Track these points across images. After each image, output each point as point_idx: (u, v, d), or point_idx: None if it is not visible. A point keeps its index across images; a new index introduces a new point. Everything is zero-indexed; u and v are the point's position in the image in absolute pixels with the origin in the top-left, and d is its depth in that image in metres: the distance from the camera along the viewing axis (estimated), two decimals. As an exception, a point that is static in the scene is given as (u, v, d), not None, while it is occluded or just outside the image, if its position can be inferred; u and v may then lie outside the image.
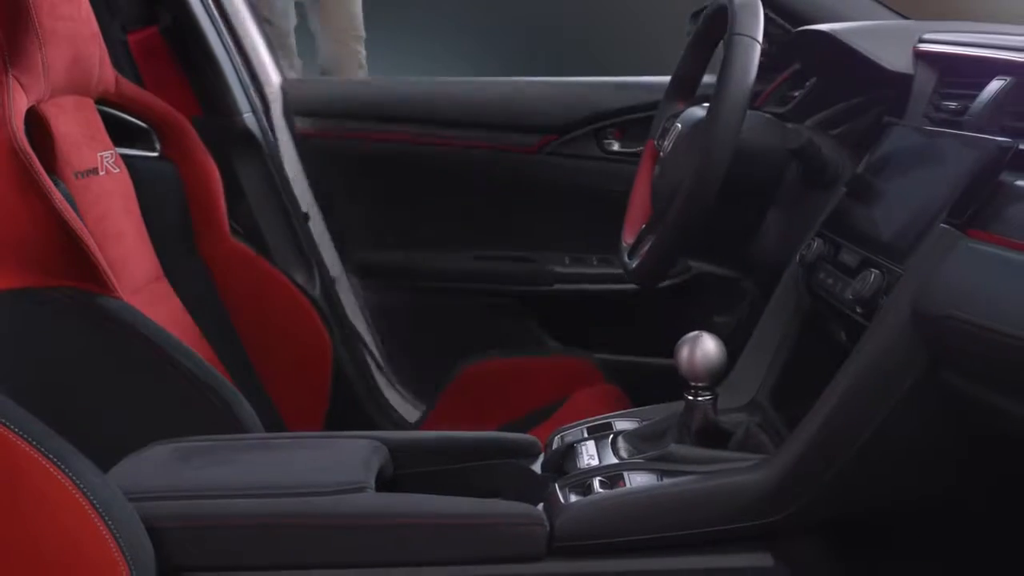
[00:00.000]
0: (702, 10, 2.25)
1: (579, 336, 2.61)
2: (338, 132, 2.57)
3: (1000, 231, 1.21)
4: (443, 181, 2.55)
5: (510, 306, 2.61)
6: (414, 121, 2.67)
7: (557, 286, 2.59)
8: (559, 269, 2.59)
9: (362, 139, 2.52)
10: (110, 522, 1.25)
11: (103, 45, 1.87)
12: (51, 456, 1.23)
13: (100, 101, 1.92)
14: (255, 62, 2.53)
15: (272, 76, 2.57)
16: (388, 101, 2.73)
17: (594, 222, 2.43)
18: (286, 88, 2.57)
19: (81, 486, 1.24)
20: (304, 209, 2.55)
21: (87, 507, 1.23)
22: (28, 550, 1.25)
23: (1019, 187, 1.23)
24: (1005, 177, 1.26)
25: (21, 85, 1.62)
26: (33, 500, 1.23)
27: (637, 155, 2.49)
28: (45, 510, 1.24)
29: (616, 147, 2.67)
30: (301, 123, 2.57)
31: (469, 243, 2.58)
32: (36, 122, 1.66)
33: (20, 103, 1.61)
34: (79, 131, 1.78)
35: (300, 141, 2.57)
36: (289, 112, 2.56)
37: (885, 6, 2.26)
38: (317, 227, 2.57)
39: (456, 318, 2.62)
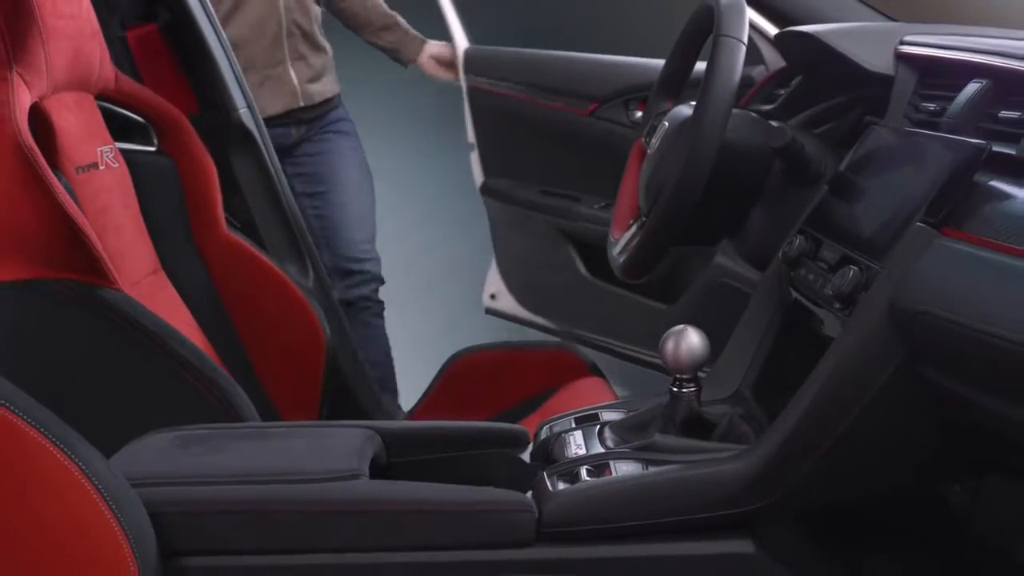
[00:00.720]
0: None
1: (595, 267, 3.01)
2: (491, 88, 3.09)
3: (974, 230, 1.23)
4: (530, 130, 3.02)
5: (559, 230, 3.05)
6: (521, 83, 3.14)
7: (580, 223, 2.98)
8: (585, 210, 2.97)
9: (492, 94, 3.07)
10: (115, 507, 1.28)
11: (103, 42, 1.91)
12: (58, 443, 1.26)
13: (100, 97, 1.95)
14: (452, 33, 3.20)
15: (460, 43, 3.18)
16: (506, 67, 3.17)
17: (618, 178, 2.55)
18: (467, 52, 3.17)
19: (87, 472, 1.27)
20: (471, 141, 3.19)
21: (93, 493, 1.26)
22: (35, 534, 1.28)
23: (992, 187, 1.26)
24: (979, 178, 1.29)
25: (25, 82, 1.65)
26: (41, 485, 1.27)
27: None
28: (52, 495, 1.27)
29: (638, 115, 2.90)
30: (472, 79, 3.15)
31: (539, 179, 3.07)
32: (39, 118, 1.68)
33: (24, 100, 1.64)
34: (80, 126, 1.81)
35: (471, 92, 3.15)
36: (468, 70, 3.15)
37: (871, 7, 2.29)
38: (475, 155, 3.20)
39: (529, 233, 3.11)
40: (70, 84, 1.79)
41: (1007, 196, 1.24)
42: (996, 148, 1.30)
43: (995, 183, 1.27)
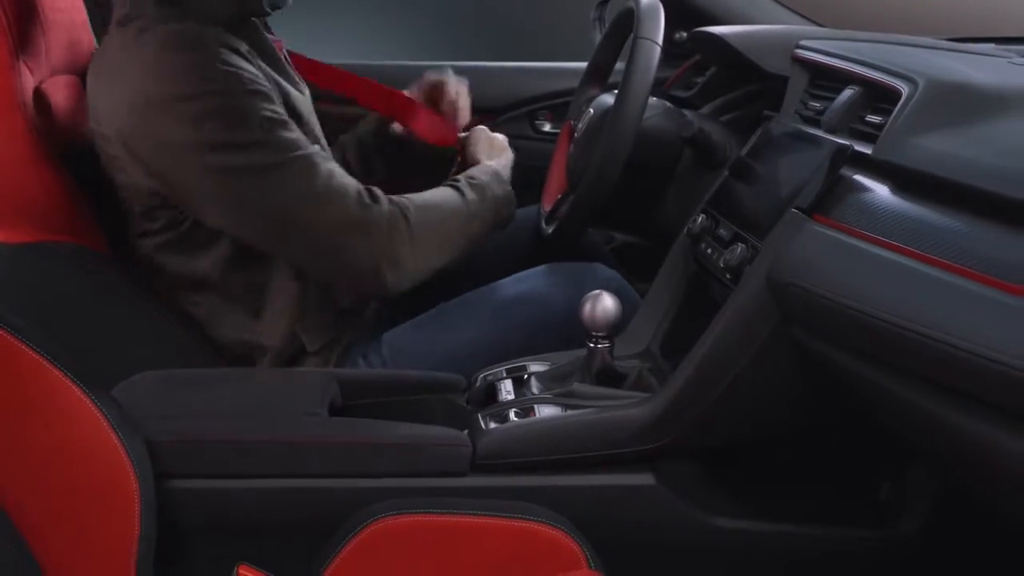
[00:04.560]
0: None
1: None
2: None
3: (837, 217, 1.35)
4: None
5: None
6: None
7: None
8: None
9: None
10: (120, 434, 1.42)
11: (91, 31, 2.00)
12: (75, 378, 1.41)
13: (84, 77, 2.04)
14: None
15: None
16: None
17: (525, 197, 2.33)
18: None
19: (99, 404, 1.42)
20: None
21: (103, 421, 1.41)
22: (52, 455, 1.42)
23: (854, 181, 1.38)
24: (845, 172, 1.41)
25: (29, 69, 1.75)
26: (59, 413, 1.41)
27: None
28: (68, 421, 1.41)
29: (547, 127, 2.80)
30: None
31: None
32: (39, 100, 1.77)
33: (28, 84, 1.73)
34: (70, 106, 1.88)
35: None
36: None
37: (793, 11, 2.43)
38: None
39: None
40: (63, 68, 1.87)
41: (864, 189, 1.36)
42: (858, 148, 1.42)
43: (857, 178, 1.39)
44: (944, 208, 1.21)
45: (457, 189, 1.93)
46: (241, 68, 1.75)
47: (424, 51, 3.24)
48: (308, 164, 1.76)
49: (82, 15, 1.98)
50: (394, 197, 1.84)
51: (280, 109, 1.78)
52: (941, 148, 1.29)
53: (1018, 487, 1.05)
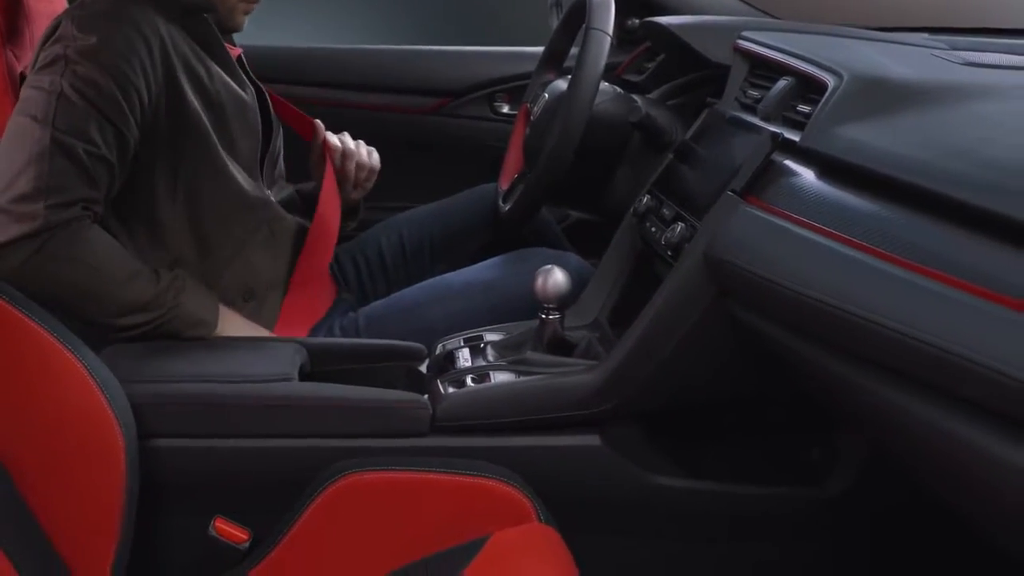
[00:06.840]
0: None
1: None
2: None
3: (767, 199, 1.41)
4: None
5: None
6: (323, 85, 2.85)
7: None
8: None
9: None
10: (108, 396, 1.50)
11: None
12: (67, 345, 1.50)
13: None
14: None
15: None
16: (301, 66, 2.88)
17: (483, 176, 2.48)
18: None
19: (89, 369, 1.50)
20: None
21: (93, 384, 1.49)
22: (51, 417, 1.51)
23: (783, 166, 1.44)
24: (776, 158, 1.47)
25: (15, 57, 1.82)
26: (56, 378, 1.50)
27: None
28: (64, 386, 1.50)
29: (505, 109, 2.88)
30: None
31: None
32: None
33: (15, 71, 1.81)
34: None
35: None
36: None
37: (748, 3, 2.51)
38: None
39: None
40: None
41: (792, 174, 1.42)
42: (788, 135, 1.47)
43: (786, 163, 1.44)
44: (862, 193, 1.27)
45: (158, 277, 1.77)
46: (137, 55, 1.72)
47: (390, 34, 3.33)
48: (59, 141, 1.65)
49: (64, 5, 2.04)
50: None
51: (129, 119, 1.73)
52: (860, 138, 1.35)
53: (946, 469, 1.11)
